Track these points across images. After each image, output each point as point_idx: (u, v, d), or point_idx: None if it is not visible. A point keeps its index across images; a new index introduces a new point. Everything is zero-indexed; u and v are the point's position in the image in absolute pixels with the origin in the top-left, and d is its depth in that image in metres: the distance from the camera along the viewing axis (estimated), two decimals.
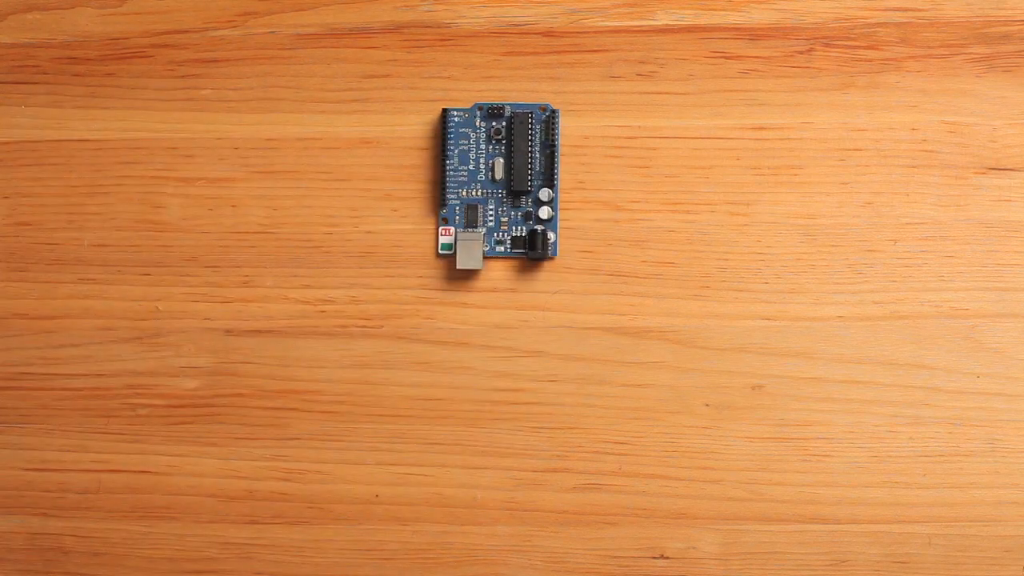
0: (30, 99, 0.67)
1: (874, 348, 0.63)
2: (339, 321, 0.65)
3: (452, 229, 0.65)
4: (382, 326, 0.65)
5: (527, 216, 0.64)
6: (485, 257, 0.65)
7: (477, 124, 0.65)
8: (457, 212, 0.65)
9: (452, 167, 0.65)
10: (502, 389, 0.64)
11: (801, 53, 0.64)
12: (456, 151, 0.65)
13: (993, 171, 0.63)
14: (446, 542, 0.64)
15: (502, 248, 0.65)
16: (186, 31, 0.66)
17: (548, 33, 0.65)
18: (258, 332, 0.65)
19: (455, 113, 0.65)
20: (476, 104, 0.65)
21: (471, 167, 0.65)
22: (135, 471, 0.66)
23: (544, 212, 0.64)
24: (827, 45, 0.64)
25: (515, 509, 0.64)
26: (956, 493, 0.63)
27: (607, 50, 0.65)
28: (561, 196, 0.65)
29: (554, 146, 0.64)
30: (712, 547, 0.63)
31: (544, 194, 0.64)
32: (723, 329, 0.64)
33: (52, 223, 0.67)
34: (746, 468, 0.63)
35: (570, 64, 0.65)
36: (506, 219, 0.64)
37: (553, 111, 0.64)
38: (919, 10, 0.64)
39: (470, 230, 0.64)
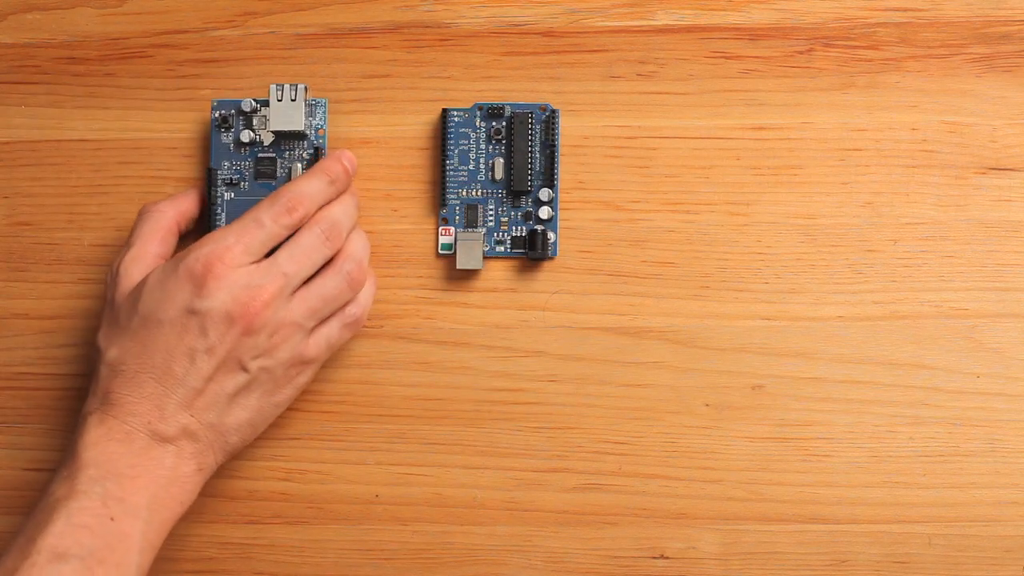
0: (30, 99, 0.67)
1: (874, 348, 0.63)
2: None
3: (452, 229, 0.65)
4: (382, 326, 0.65)
5: (527, 216, 0.64)
6: (485, 257, 0.65)
7: (477, 124, 0.65)
8: (457, 212, 0.65)
9: (452, 167, 0.65)
10: (502, 389, 0.64)
11: (801, 53, 0.64)
12: (456, 151, 0.65)
13: (993, 171, 0.63)
14: (446, 542, 0.64)
15: (502, 248, 0.65)
16: (186, 31, 0.66)
17: (548, 33, 0.65)
18: None
19: (455, 113, 0.65)
20: (476, 104, 0.65)
21: (471, 167, 0.65)
22: None
23: (544, 212, 0.64)
24: (827, 45, 0.64)
25: (515, 509, 0.64)
26: (956, 493, 0.63)
27: (607, 50, 0.65)
28: (561, 196, 0.65)
29: (554, 146, 0.64)
30: (712, 547, 0.63)
31: (544, 194, 0.64)
32: (723, 329, 0.64)
33: (52, 223, 0.67)
34: (746, 468, 0.63)
35: (570, 64, 0.65)
36: (506, 219, 0.64)
37: (553, 111, 0.64)
38: (919, 10, 0.64)
39: (470, 230, 0.64)
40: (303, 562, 0.65)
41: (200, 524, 0.65)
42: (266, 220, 0.59)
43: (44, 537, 0.53)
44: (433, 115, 0.65)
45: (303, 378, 0.61)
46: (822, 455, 0.63)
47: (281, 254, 0.59)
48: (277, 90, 0.64)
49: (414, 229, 0.65)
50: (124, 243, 0.61)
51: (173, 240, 0.62)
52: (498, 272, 0.65)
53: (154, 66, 0.66)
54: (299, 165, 0.64)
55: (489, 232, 0.65)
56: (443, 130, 0.65)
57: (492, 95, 0.65)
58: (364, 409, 0.65)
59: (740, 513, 0.63)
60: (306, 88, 0.64)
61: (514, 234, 0.64)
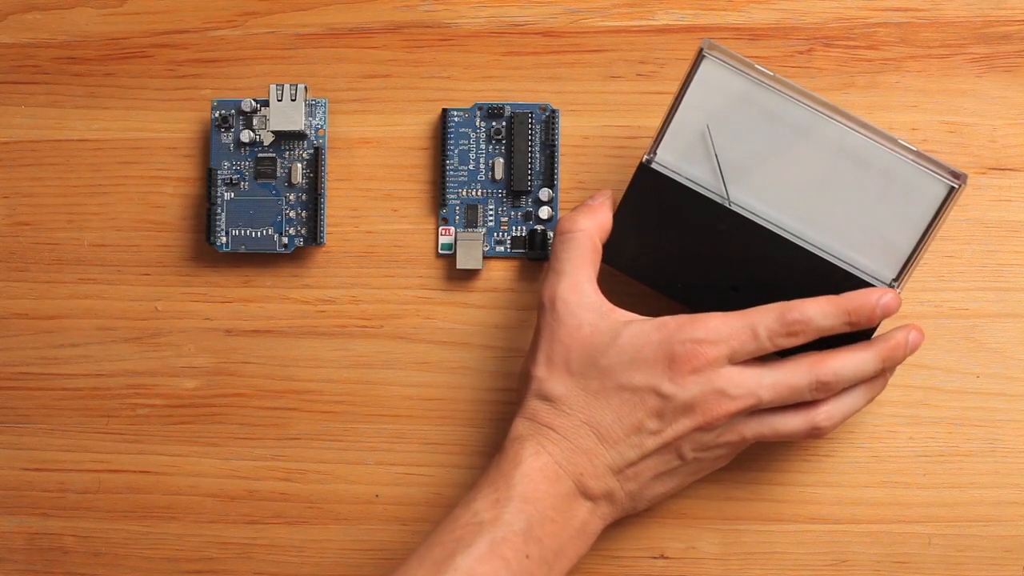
0: (30, 99, 0.67)
1: None
2: (339, 321, 0.65)
3: (452, 229, 0.65)
4: (382, 326, 0.65)
5: (527, 216, 0.64)
6: (485, 257, 0.65)
7: (477, 124, 0.65)
8: (457, 212, 0.65)
9: (452, 167, 0.65)
10: (502, 389, 0.64)
11: (801, 53, 0.64)
12: (456, 151, 0.65)
13: (993, 171, 0.63)
14: None
15: (502, 248, 0.65)
16: (186, 31, 0.66)
17: (548, 33, 0.65)
18: (258, 332, 0.65)
19: (455, 113, 0.65)
20: (476, 104, 0.65)
21: (471, 167, 0.65)
22: (135, 471, 0.66)
23: (544, 212, 0.64)
24: (827, 45, 0.64)
25: None
26: (956, 493, 0.63)
27: (607, 50, 0.65)
28: (561, 196, 0.65)
29: (554, 146, 0.64)
30: (712, 547, 0.63)
31: (544, 194, 0.64)
32: None
33: (52, 223, 0.67)
34: (746, 468, 0.63)
35: (570, 64, 0.65)
36: (506, 219, 0.64)
37: (553, 111, 0.64)
38: (919, 10, 0.64)
39: (470, 230, 0.64)
40: (303, 562, 0.65)
41: (200, 524, 0.65)
42: (763, 334, 0.55)
43: (464, 557, 0.53)
44: (433, 115, 0.65)
45: (727, 460, 0.60)
46: (822, 455, 0.63)
47: (765, 377, 0.56)
48: (277, 90, 0.64)
49: (414, 229, 0.65)
50: (548, 267, 0.59)
51: (599, 257, 0.59)
52: (498, 272, 0.65)
53: (154, 66, 0.66)
54: (299, 165, 0.65)
55: (489, 232, 0.65)
56: (443, 130, 0.65)
57: (492, 95, 0.65)
58: (364, 409, 0.65)
59: (740, 513, 0.63)
60: (306, 88, 0.64)
61: (514, 234, 0.64)
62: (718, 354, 0.55)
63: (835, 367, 0.56)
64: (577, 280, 0.58)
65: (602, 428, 0.56)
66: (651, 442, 0.56)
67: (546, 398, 0.57)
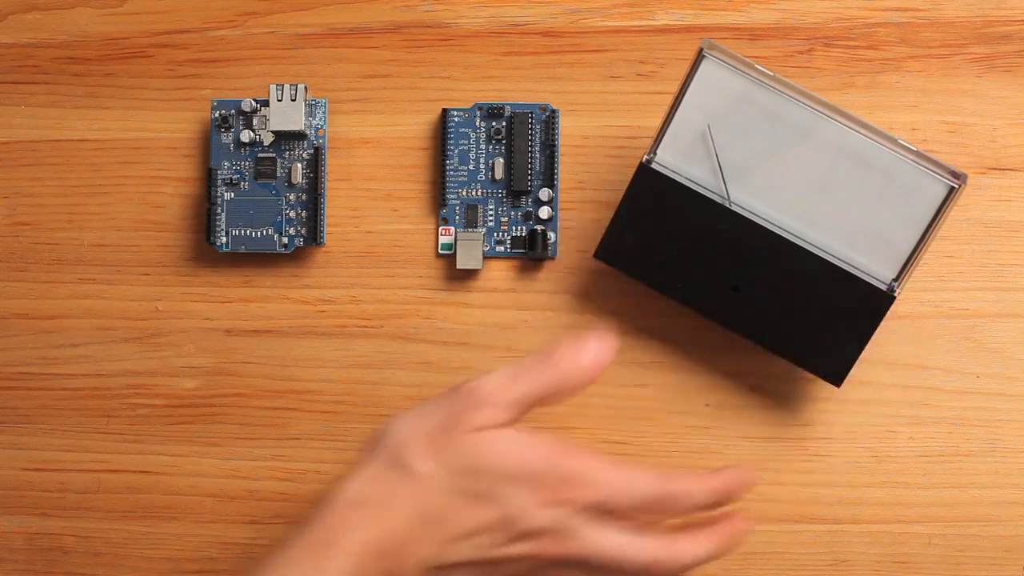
0: (30, 99, 0.67)
1: (874, 348, 0.63)
2: (339, 321, 0.65)
3: (452, 229, 0.65)
4: (382, 326, 0.65)
5: (527, 216, 0.64)
6: (485, 257, 0.65)
7: (477, 124, 0.65)
8: (457, 212, 0.65)
9: (452, 167, 0.65)
10: None
11: (801, 53, 0.64)
12: (456, 151, 0.65)
13: (993, 171, 0.63)
14: None
15: (502, 248, 0.65)
16: (186, 31, 0.66)
17: (548, 33, 0.65)
18: (258, 332, 0.65)
19: (455, 113, 0.65)
20: (476, 104, 0.65)
21: (471, 167, 0.65)
22: (135, 471, 0.66)
23: (544, 212, 0.64)
24: (827, 45, 0.64)
25: None
26: (956, 493, 0.63)
27: (607, 50, 0.65)
28: (561, 196, 0.65)
29: (554, 146, 0.64)
30: None
31: (544, 194, 0.64)
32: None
33: (52, 223, 0.67)
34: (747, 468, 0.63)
35: (570, 64, 0.65)
36: (506, 219, 0.64)
37: (553, 111, 0.64)
38: (919, 10, 0.64)
39: (470, 230, 0.64)
40: None
41: (201, 524, 0.65)
42: (635, 497, 0.53)
43: None
44: (433, 115, 0.65)
45: None
46: (822, 455, 0.63)
47: (613, 538, 0.53)
48: (277, 90, 0.64)
49: (414, 229, 0.65)
50: None
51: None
52: (498, 272, 0.65)
53: (154, 66, 0.66)
54: (299, 165, 0.64)
55: (489, 232, 0.65)
56: (443, 130, 0.65)
57: (492, 95, 0.65)
58: (364, 409, 0.65)
59: None
60: (306, 88, 0.64)
61: (514, 234, 0.64)
62: (584, 497, 0.52)
63: (682, 558, 0.53)
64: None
65: (441, 522, 0.52)
66: (475, 553, 0.53)
67: (404, 468, 0.53)
